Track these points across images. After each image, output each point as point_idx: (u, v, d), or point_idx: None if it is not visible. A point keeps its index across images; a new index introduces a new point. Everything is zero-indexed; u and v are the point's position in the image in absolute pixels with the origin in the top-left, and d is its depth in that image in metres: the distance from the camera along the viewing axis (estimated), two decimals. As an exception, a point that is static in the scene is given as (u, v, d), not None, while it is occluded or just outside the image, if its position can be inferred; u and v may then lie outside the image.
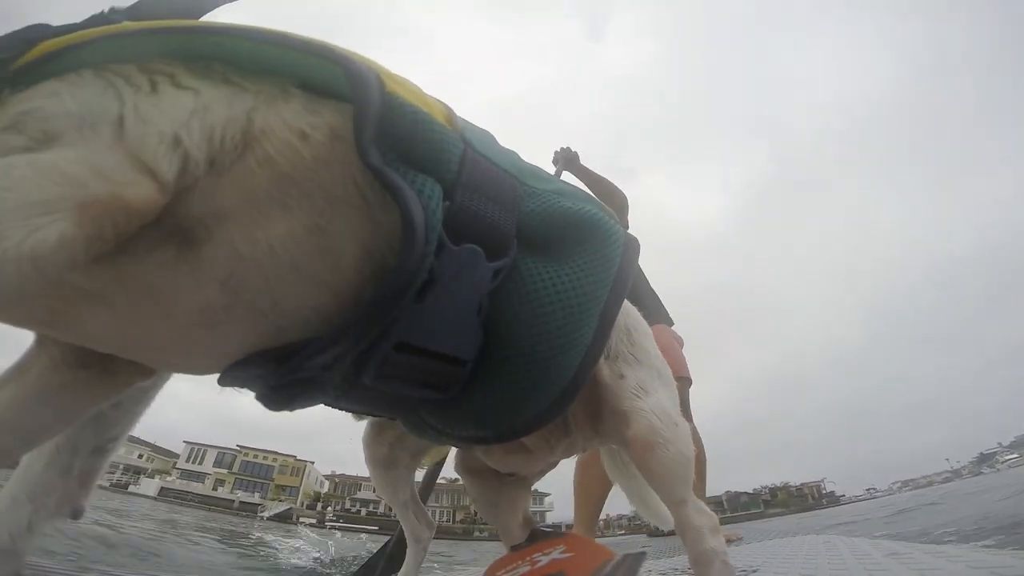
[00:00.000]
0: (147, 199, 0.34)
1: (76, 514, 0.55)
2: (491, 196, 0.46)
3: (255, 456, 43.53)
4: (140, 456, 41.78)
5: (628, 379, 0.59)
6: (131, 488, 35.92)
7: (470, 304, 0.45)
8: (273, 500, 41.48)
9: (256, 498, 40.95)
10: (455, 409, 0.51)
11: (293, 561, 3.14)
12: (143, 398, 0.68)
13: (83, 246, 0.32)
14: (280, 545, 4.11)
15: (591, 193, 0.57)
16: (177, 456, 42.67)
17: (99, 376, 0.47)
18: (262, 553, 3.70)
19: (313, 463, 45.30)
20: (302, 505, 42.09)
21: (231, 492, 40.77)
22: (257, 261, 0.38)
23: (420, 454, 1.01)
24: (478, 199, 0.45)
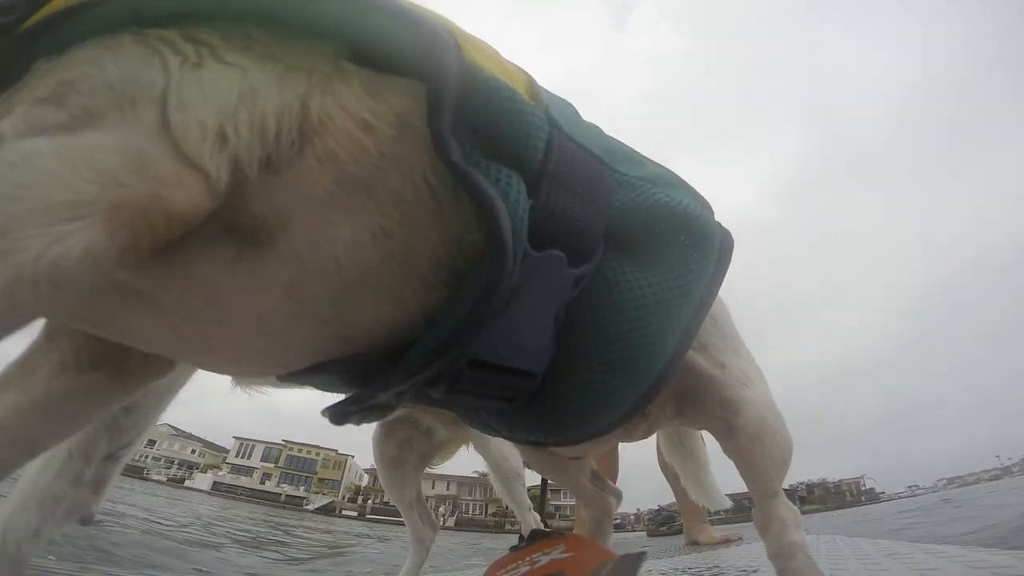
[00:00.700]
0: (193, 202, 0.29)
1: (86, 521, 0.56)
2: (579, 191, 0.40)
3: (299, 450, 45.33)
4: (193, 451, 44.25)
5: (731, 368, 0.58)
6: (187, 483, 38.10)
7: (548, 316, 0.41)
8: (317, 493, 43.22)
9: (301, 491, 42.81)
10: (520, 417, 0.48)
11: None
12: (156, 406, 0.70)
13: (114, 257, 0.27)
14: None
15: (680, 177, 0.53)
16: (227, 451, 44.94)
17: (111, 379, 0.43)
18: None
19: (353, 457, 46.83)
20: (343, 498, 43.69)
21: (277, 485, 42.70)
22: (322, 269, 0.34)
23: (429, 456, 1.02)
24: (565, 195, 0.39)
